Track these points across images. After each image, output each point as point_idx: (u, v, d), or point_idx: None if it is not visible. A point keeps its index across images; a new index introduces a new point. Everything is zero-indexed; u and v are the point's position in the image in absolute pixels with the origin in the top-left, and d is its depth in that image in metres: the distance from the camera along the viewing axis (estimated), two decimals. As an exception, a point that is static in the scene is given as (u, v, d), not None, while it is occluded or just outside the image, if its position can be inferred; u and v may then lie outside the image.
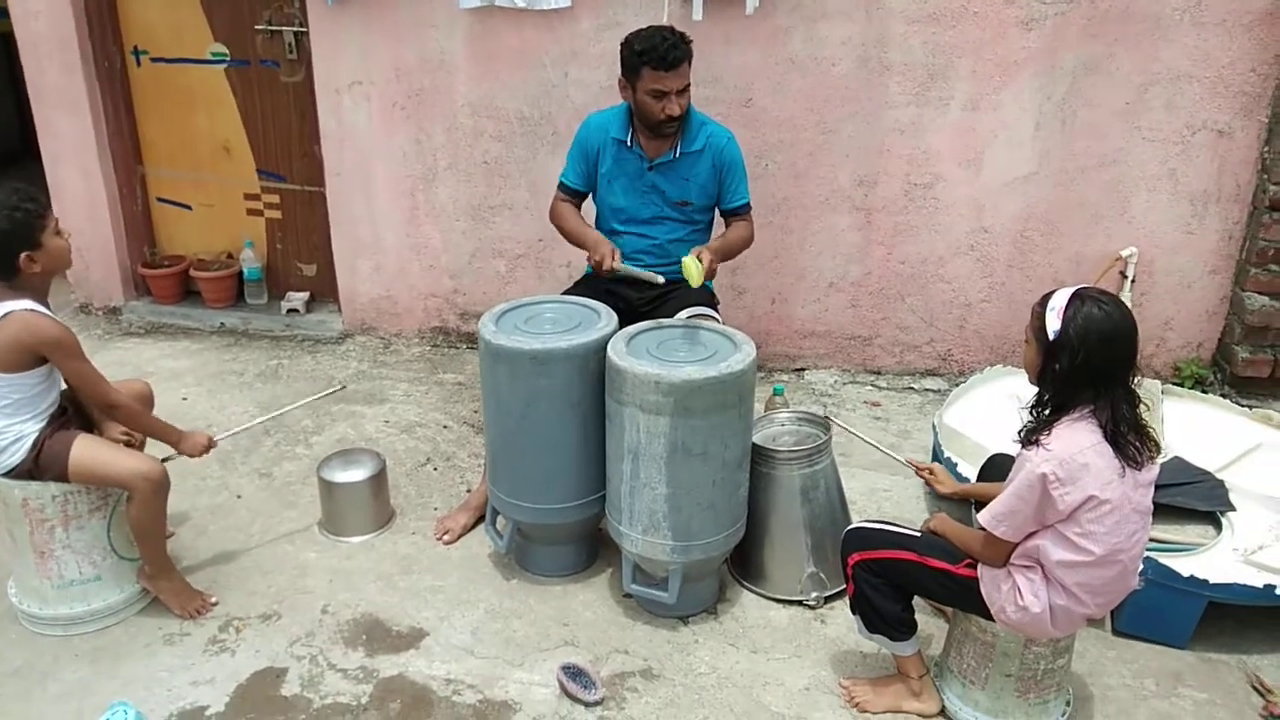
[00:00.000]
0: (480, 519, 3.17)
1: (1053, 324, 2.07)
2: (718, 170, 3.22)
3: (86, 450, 2.61)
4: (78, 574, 2.72)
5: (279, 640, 2.73)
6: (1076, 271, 3.99)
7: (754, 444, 2.82)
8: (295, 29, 4.36)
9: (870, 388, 4.21)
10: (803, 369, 4.33)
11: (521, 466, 2.82)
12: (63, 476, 2.60)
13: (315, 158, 4.51)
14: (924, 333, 4.21)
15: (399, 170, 4.37)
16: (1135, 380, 2.11)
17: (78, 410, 2.79)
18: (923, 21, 3.76)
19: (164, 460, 2.74)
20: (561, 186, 3.32)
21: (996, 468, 2.64)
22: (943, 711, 2.48)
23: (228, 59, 4.54)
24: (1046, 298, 2.12)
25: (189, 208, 4.89)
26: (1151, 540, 2.72)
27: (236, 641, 2.73)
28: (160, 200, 4.92)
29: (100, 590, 2.76)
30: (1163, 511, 2.83)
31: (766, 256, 4.12)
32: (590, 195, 3.35)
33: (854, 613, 2.47)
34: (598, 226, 3.34)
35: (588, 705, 2.50)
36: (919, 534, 2.39)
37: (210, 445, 2.87)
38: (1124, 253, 3.92)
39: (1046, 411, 2.14)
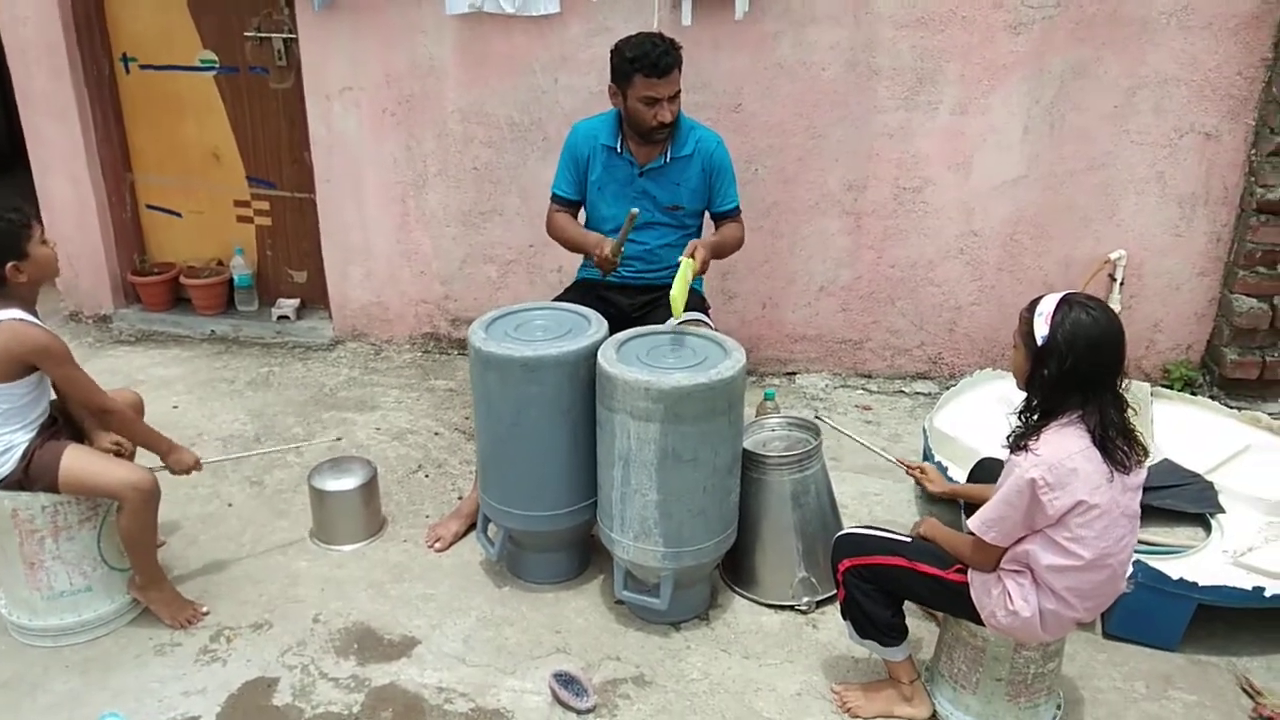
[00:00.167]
0: (472, 526, 3.17)
1: (1040, 330, 2.08)
2: (708, 174, 3.23)
3: (77, 460, 2.61)
4: (68, 585, 2.71)
5: (270, 650, 2.73)
6: (1066, 274, 4.00)
7: (745, 449, 2.82)
8: (284, 35, 4.36)
9: (861, 391, 4.22)
10: (794, 373, 4.34)
11: (512, 474, 2.82)
12: (53, 487, 2.59)
13: (305, 164, 4.50)
14: (914, 336, 4.22)
15: (389, 176, 4.37)
16: (1123, 385, 2.12)
17: (67, 420, 2.79)
18: (911, 26, 3.77)
19: (153, 469, 2.73)
20: (555, 198, 3.32)
21: (986, 471, 2.66)
22: (934, 716, 2.48)
23: (217, 66, 4.54)
24: (1034, 303, 2.13)
25: (179, 215, 4.88)
26: (1141, 542, 2.73)
27: (228, 651, 2.72)
28: (150, 207, 4.90)
29: (90, 601, 2.75)
30: (1152, 514, 2.84)
31: (757, 261, 4.13)
32: (583, 203, 3.35)
33: (845, 618, 2.48)
34: (588, 232, 3.34)
35: (580, 713, 2.50)
36: (909, 539, 2.40)
37: (196, 466, 2.86)
38: (1113, 255, 3.93)
39: (1035, 417, 2.14)
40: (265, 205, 4.74)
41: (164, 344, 4.71)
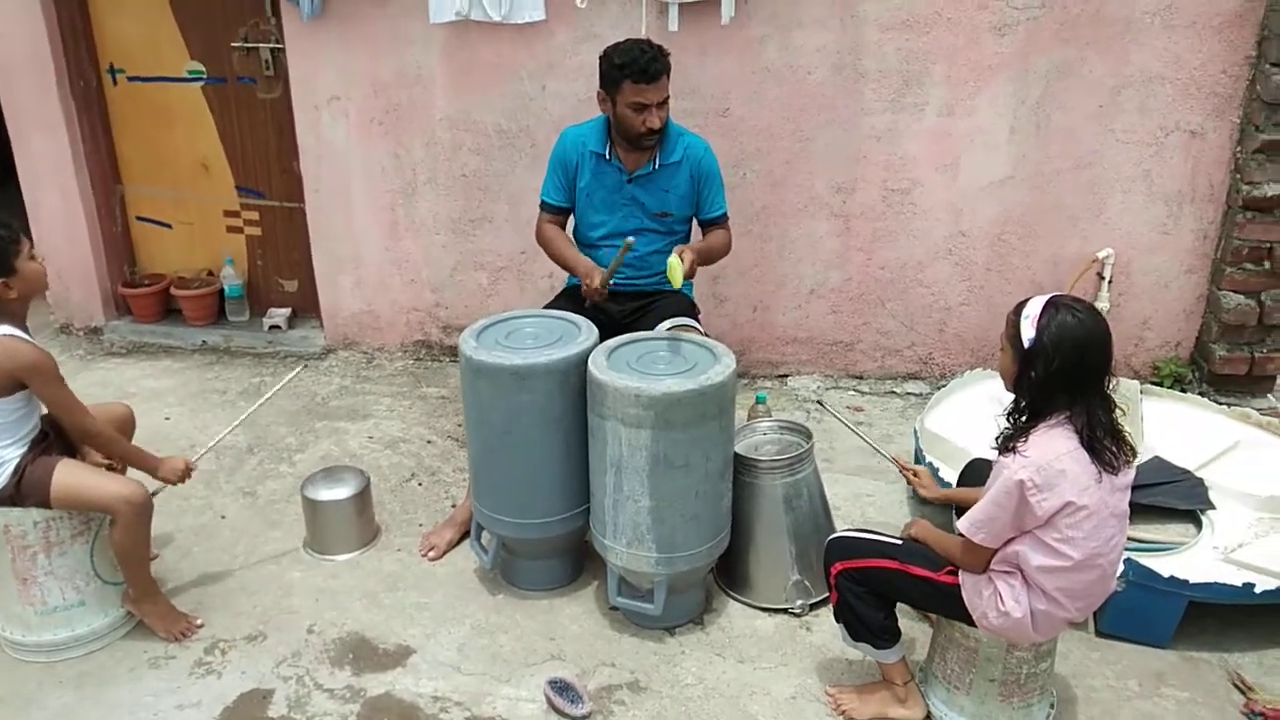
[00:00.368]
0: (465, 534, 3.17)
1: (1027, 332, 2.09)
2: (696, 181, 3.24)
3: (68, 475, 2.61)
4: (61, 600, 2.70)
5: (265, 661, 2.73)
6: (1054, 273, 4.02)
7: (736, 454, 2.83)
8: (272, 46, 4.36)
9: (853, 393, 4.23)
10: (785, 375, 4.35)
11: (505, 482, 2.82)
12: (45, 502, 2.59)
13: (294, 174, 4.50)
14: (904, 337, 4.23)
15: (378, 185, 4.37)
16: (1111, 385, 2.13)
17: (59, 435, 2.78)
18: (897, 28, 3.79)
19: (153, 493, 2.73)
20: (544, 206, 3.33)
21: (976, 472, 2.66)
22: (928, 717, 2.49)
23: (204, 77, 4.53)
24: (1021, 306, 2.15)
25: (168, 226, 4.88)
26: (1133, 540, 2.75)
27: (222, 664, 2.72)
28: (139, 219, 4.90)
29: (84, 615, 2.74)
30: (1144, 511, 2.86)
31: (747, 264, 4.14)
32: (572, 210, 3.36)
33: (838, 621, 2.49)
34: (577, 239, 3.35)
35: (575, 720, 2.51)
36: (900, 542, 2.41)
37: (188, 470, 2.86)
38: (1101, 254, 3.95)
39: (1023, 418, 2.15)
40: (255, 215, 4.74)
41: (155, 355, 4.70)
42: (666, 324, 3.07)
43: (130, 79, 4.62)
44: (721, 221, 3.32)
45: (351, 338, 4.67)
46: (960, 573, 2.27)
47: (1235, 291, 3.86)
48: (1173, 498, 2.98)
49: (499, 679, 2.66)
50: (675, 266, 2.91)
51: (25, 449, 2.62)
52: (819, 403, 2.97)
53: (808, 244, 4.13)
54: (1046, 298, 2.11)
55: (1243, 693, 2.58)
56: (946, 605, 2.32)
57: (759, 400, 3.55)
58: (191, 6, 4.43)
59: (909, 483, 2.83)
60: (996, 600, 2.19)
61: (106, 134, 4.72)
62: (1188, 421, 3.46)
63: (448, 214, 4.35)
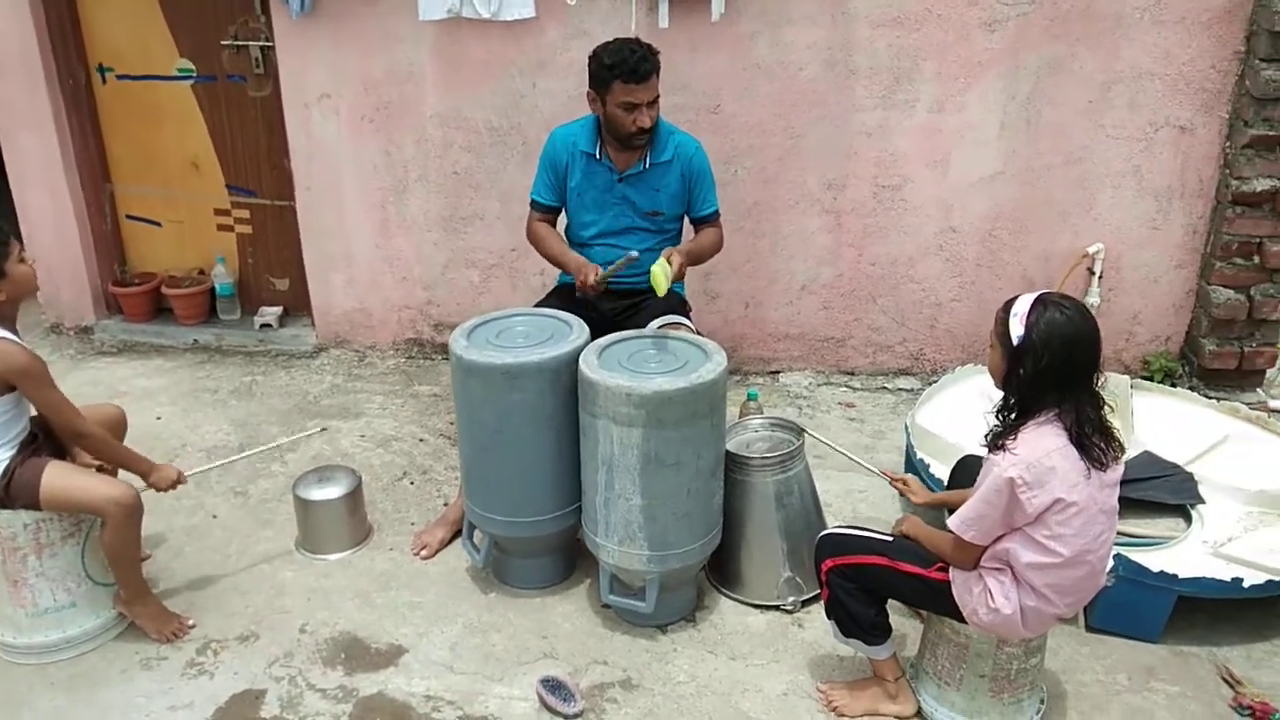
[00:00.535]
0: (457, 533, 3.17)
1: (1016, 329, 2.10)
2: (687, 180, 3.23)
3: (58, 477, 2.60)
4: (52, 601, 2.70)
5: (257, 661, 2.73)
6: (1045, 269, 4.03)
7: (728, 451, 2.83)
8: (261, 43, 4.34)
9: (844, 389, 4.24)
10: (777, 372, 4.35)
11: (496, 481, 2.83)
12: (34, 504, 2.58)
13: (285, 171, 4.49)
14: (896, 333, 4.24)
15: (369, 183, 4.36)
16: (1100, 382, 2.14)
17: (48, 436, 2.77)
18: (887, 25, 3.79)
19: (142, 490, 2.73)
20: (535, 205, 3.32)
21: (968, 469, 2.67)
22: (919, 713, 2.50)
23: (194, 75, 4.52)
24: (1010, 303, 2.15)
25: (159, 224, 4.86)
26: (1122, 534, 2.76)
27: (215, 664, 2.72)
28: (129, 218, 4.88)
29: (76, 617, 2.74)
30: (1133, 506, 2.87)
31: (738, 261, 4.14)
32: (563, 209, 3.35)
33: (829, 618, 2.49)
34: (568, 238, 3.34)
35: (568, 718, 2.51)
36: (891, 539, 2.42)
37: (179, 481, 2.85)
38: (1091, 249, 3.96)
39: (1012, 416, 2.16)
40: (245, 213, 4.73)
41: (146, 354, 4.69)
42: (657, 322, 3.06)
43: (119, 77, 4.60)
44: (713, 219, 3.32)
45: (343, 336, 4.66)
46: (950, 569, 2.28)
47: (1225, 286, 3.87)
48: (1162, 492, 2.99)
49: (491, 678, 2.66)
50: (659, 275, 2.86)
51: (14, 451, 2.61)
52: (801, 430, 2.97)
53: (799, 240, 4.13)
54: (1035, 295, 2.12)
55: (1231, 686, 2.59)
56: (937, 602, 2.33)
57: (750, 397, 3.55)
58: (181, 4, 4.41)
59: (900, 493, 2.84)
60: (986, 597, 2.20)
61: (96, 132, 4.70)
62: (1177, 416, 3.47)
63: (439, 211, 4.34)
